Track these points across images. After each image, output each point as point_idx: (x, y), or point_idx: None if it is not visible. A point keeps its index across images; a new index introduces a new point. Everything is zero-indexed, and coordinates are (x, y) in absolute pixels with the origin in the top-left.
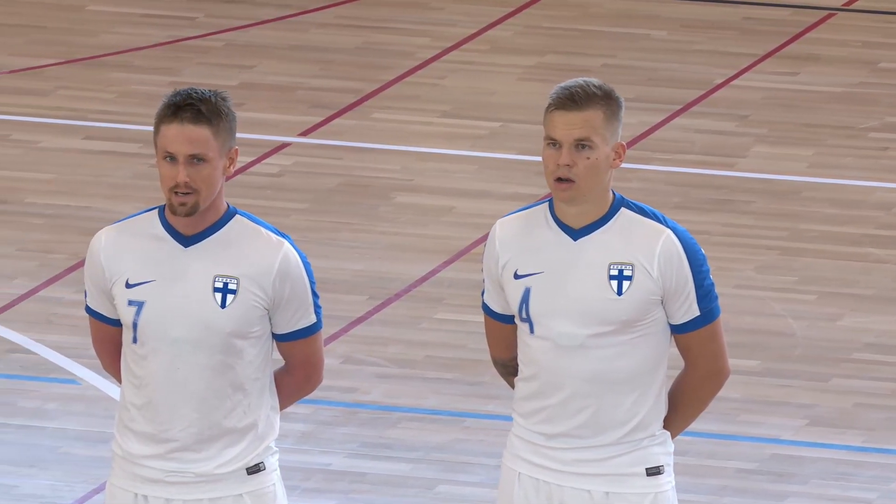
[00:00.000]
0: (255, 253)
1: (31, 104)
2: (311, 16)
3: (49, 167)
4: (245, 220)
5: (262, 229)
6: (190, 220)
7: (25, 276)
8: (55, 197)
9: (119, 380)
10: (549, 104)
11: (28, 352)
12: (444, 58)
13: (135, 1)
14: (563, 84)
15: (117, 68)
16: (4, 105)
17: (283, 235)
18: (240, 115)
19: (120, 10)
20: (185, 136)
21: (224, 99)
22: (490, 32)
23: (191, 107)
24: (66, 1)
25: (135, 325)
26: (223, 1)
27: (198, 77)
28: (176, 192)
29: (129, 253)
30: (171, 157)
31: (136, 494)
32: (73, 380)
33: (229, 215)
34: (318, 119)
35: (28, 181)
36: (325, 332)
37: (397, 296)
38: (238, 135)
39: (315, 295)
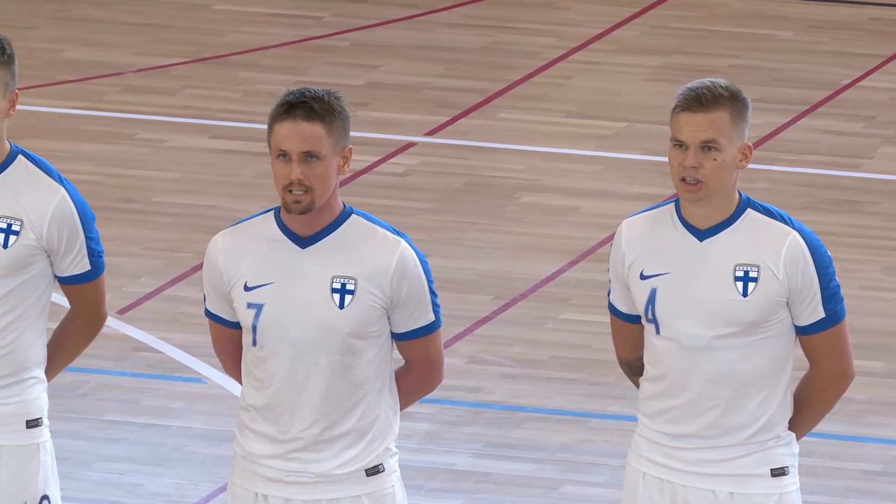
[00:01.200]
0: (372, 252)
1: (158, 103)
2: (438, 15)
3: (175, 166)
4: (361, 219)
5: (379, 228)
6: (306, 221)
7: (151, 275)
8: (181, 196)
9: (241, 383)
10: (676, 105)
11: (153, 350)
12: (571, 58)
13: (261, 0)
14: (689, 85)
15: (243, 67)
16: (132, 104)
17: (399, 234)
18: (365, 114)
19: (246, 9)
20: (299, 133)
21: (337, 98)
22: (616, 32)
23: (304, 104)
24: (192, 0)
25: (254, 328)
26: (350, 0)
27: (323, 77)
28: (290, 191)
29: (246, 256)
30: (285, 155)
31: (256, 494)
32: (198, 378)
33: (345, 215)
34: (444, 119)
35: (154, 180)
36: (450, 331)
37: (522, 296)
38: (364, 134)
39: (433, 293)
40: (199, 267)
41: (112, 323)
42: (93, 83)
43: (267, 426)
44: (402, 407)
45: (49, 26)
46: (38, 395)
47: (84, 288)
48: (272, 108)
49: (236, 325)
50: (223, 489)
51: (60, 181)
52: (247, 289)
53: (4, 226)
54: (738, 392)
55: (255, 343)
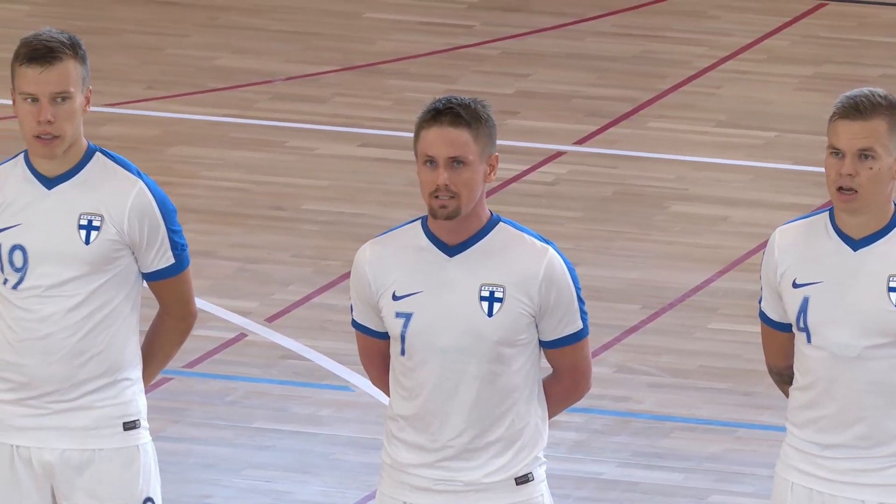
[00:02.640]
0: (520, 260)
1: (308, 111)
2: (588, 24)
3: (325, 174)
4: (509, 227)
5: (527, 236)
6: (453, 229)
7: (300, 283)
8: (330, 203)
9: (388, 393)
10: (834, 113)
11: (301, 358)
12: (720, 67)
13: (412, 8)
14: (847, 93)
15: (393, 76)
16: (282, 112)
17: (547, 242)
18: (515, 123)
19: (397, 17)
20: (445, 138)
21: (484, 105)
22: (767, 42)
23: (451, 111)
24: (343, 8)
25: (403, 337)
26: (500, 9)
27: (473, 85)
28: (436, 196)
29: (394, 265)
30: (432, 161)
31: (404, 503)
32: (346, 386)
33: (493, 223)
34: (594, 128)
35: (304, 188)
36: (598, 340)
37: (671, 305)
38: (513, 143)
39: (581, 301)
40: (348, 275)
41: (260, 330)
42: (243, 91)
43: (416, 435)
44: (551, 416)
45: (200, 34)
46: (133, 396)
47: (170, 283)
48: (419, 115)
49: (384, 336)
50: (370, 497)
51: (138, 175)
52: (395, 298)
53: (85, 222)
54: (888, 402)
55: (403, 352)
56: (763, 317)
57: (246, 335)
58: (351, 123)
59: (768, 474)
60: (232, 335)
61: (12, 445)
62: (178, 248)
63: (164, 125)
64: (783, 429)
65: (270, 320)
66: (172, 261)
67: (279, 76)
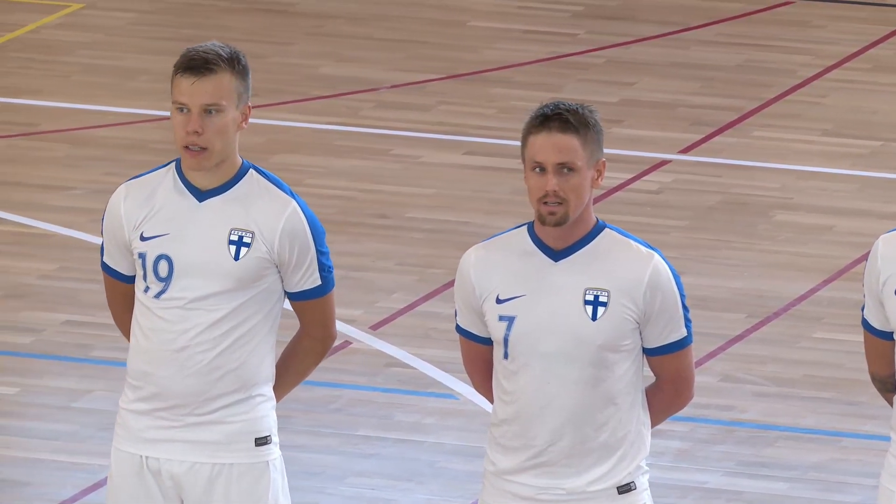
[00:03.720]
0: (625, 265)
1: (413, 119)
2: (693, 33)
3: (430, 182)
4: (614, 233)
5: (632, 242)
6: (560, 234)
7: (404, 291)
8: (435, 212)
9: (490, 400)
10: None
11: (406, 366)
12: (826, 76)
13: (517, 17)
14: None
15: (498, 84)
16: (387, 120)
17: (652, 248)
18: (619, 131)
19: (502, 25)
20: (554, 144)
21: (591, 111)
22: (872, 51)
23: (559, 116)
24: (448, 16)
25: (506, 341)
26: (605, 17)
27: (578, 93)
28: (545, 202)
29: (498, 269)
30: (540, 167)
31: None
32: (450, 394)
33: (598, 229)
34: (699, 136)
35: (409, 196)
36: (703, 349)
37: (776, 314)
38: (618, 151)
39: (685, 308)
40: (452, 283)
41: (364, 338)
42: (348, 99)
43: (517, 441)
44: (654, 424)
45: (305, 42)
46: (266, 412)
47: (314, 304)
48: (526, 122)
49: (487, 341)
50: None
51: (291, 195)
52: (498, 301)
53: (236, 238)
54: None
55: (506, 356)
56: (865, 325)
57: (350, 343)
58: (456, 132)
59: (873, 484)
60: (337, 343)
61: (142, 456)
62: (325, 269)
63: (269, 133)
64: (888, 438)
65: (375, 328)
66: (319, 282)
67: (384, 84)
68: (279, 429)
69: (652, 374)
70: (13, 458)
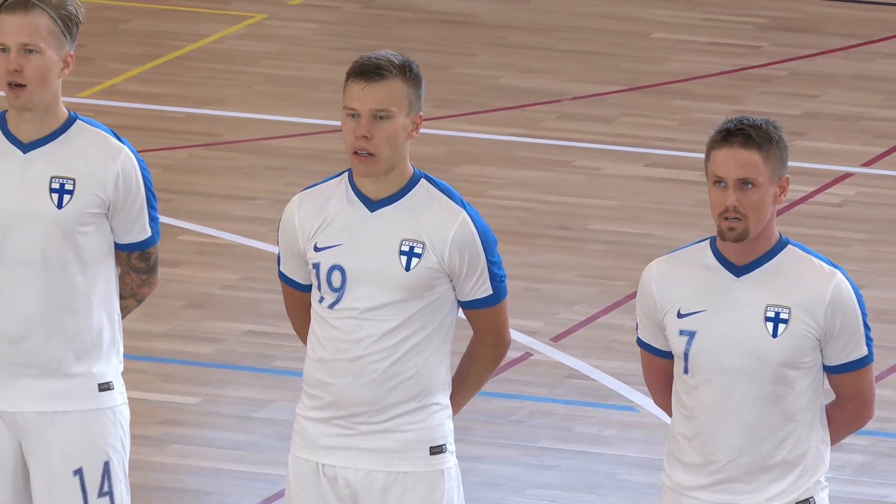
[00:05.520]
0: (806, 282)
1: (595, 131)
2: (877, 45)
3: (611, 194)
4: (797, 249)
5: (815, 259)
6: (742, 250)
7: (586, 303)
8: (616, 224)
9: (670, 414)
10: None
11: (587, 378)
12: None
13: (700, 29)
14: None
15: (680, 96)
16: (569, 131)
17: (835, 266)
18: (802, 144)
19: (684, 37)
20: (735, 160)
21: (776, 126)
22: None
23: (741, 132)
24: (630, 28)
25: (686, 356)
26: (789, 30)
27: (760, 106)
28: (725, 217)
29: (680, 283)
30: (721, 182)
31: None
32: (631, 406)
33: (781, 245)
34: (882, 149)
35: (590, 207)
36: (885, 362)
37: None
38: (800, 164)
39: (867, 327)
40: (634, 295)
41: (545, 350)
42: (530, 110)
43: (695, 456)
44: (833, 442)
45: (487, 53)
46: (441, 421)
47: (486, 312)
48: (710, 136)
49: (668, 355)
50: None
51: (463, 205)
52: (680, 316)
53: (407, 248)
54: None
55: (686, 371)
56: None
57: (531, 354)
58: (638, 143)
59: None
60: (517, 354)
61: (318, 463)
62: (496, 279)
63: (450, 144)
64: None
65: (556, 340)
66: (490, 292)
67: (566, 96)
68: (459, 439)
69: (832, 391)
70: (194, 468)
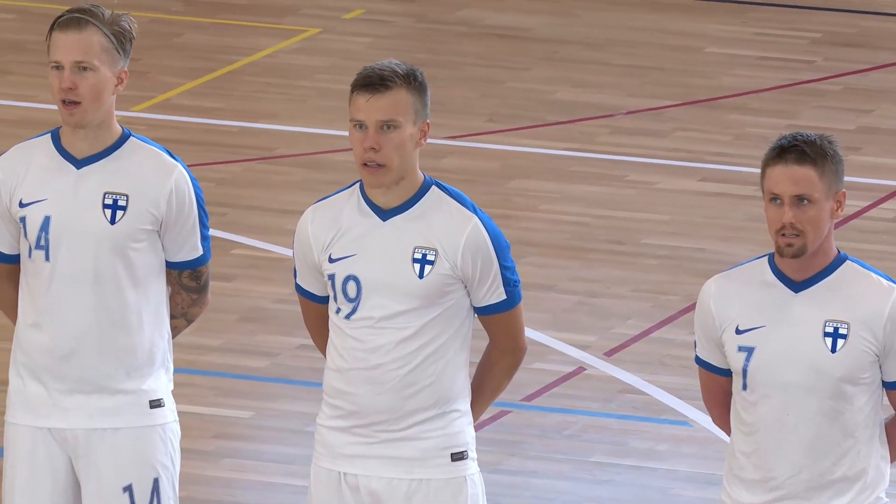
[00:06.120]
0: (865, 298)
1: (649, 145)
2: None
3: (665, 208)
4: (855, 265)
5: (873, 274)
6: (800, 266)
7: (639, 317)
8: (670, 238)
9: (728, 431)
10: None
11: (640, 392)
12: None
13: (753, 44)
14: None
15: (734, 110)
16: (622, 146)
17: (893, 281)
18: (856, 159)
19: (738, 52)
20: (790, 176)
21: (830, 142)
22: None
23: (795, 148)
24: (685, 43)
25: (745, 372)
26: (843, 44)
27: (814, 120)
28: (782, 234)
29: (738, 299)
30: (777, 199)
31: None
32: (684, 421)
33: (839, 261)
34: None
35: (644, 222)
36: None
37: None
38: (854, 179)
39: None
40: (687, 310)
41: (599, 364)
42: (583, 124)
43: (755, 472)
44: (893, 458)
45: (541, 67)
46: (462, 427)
47: (501, 318)
48: (765, 153)
49: (727, 373)
50: None
51: (473, 209)
52: (738, 332)
53: (419, 256)
54: None
55: (745, 387)
56: None
57: (584, 369)
58: (691, 158)
59: None
60: (570, 369)
61: (340, 472)
62: (510, 284)
63: (503, 158)
64: None
65: (609, 354)
66: (504, 297)
67: (620, 110)
68: (512, 454)
69: (891, 407)
70: (247, 482)
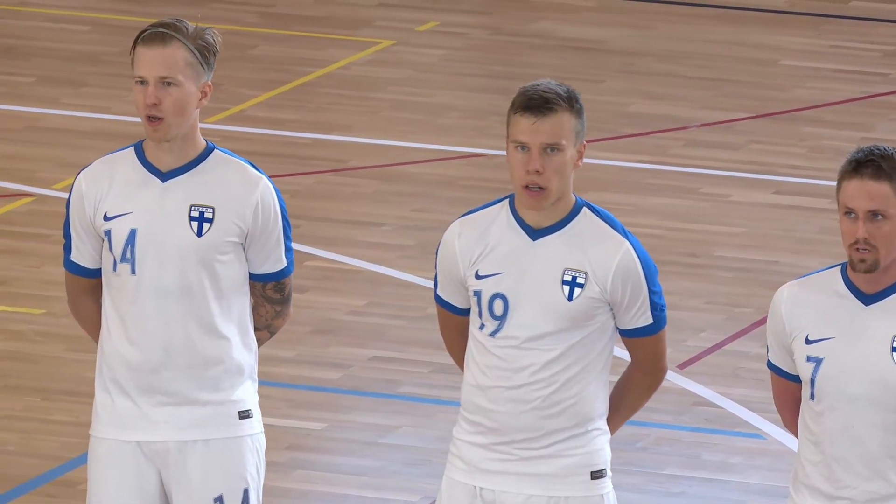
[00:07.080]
0: None
1: (723, 158)
2: None
3: (739, 221)
4: None
5: None
6: (872, 279)
7: (713, 329)
8: (744, 251)
9: (796, 435)
10: None
11: (713, 405)
12: None
13: (828, 56)
14: None
15: (809, 123)
16: (696, 158)
17: None
18: None
19: (812, 64)
20: (865, 191)
21: None
22: None
23: (871, 163)
24: (759, 55)
25: (812, 382)
26: None
27: (890, 133)
28: (856, 248)
29: (809, 308)
30: (852, 213)
31: None
32: (757, 434)
33: None
34: None
35: (718, 234)
36: None
37: None
38: None
39: None
40: (761, 322)
41: (672, 377)
42: (657, 137)
43: (821, 482)
44: None
45: (616, 79)
46: (602, 445)
47: (645, 341)
48: (841, 166)
49: (796, 378)
50: None
51: (624, 234)
52: (808, 342)
53: (570, 278)
54: None
55: (812, 397)
56: None
57: None
58: (765, 171)
59: None
60: None
61: (476, 487)
62: (657, 308)
63: (578, 171)
64: None
65: (683, 367)
66: (651, 321)
67: (694, 123)
68: None
69: None
70: (320, 494)
